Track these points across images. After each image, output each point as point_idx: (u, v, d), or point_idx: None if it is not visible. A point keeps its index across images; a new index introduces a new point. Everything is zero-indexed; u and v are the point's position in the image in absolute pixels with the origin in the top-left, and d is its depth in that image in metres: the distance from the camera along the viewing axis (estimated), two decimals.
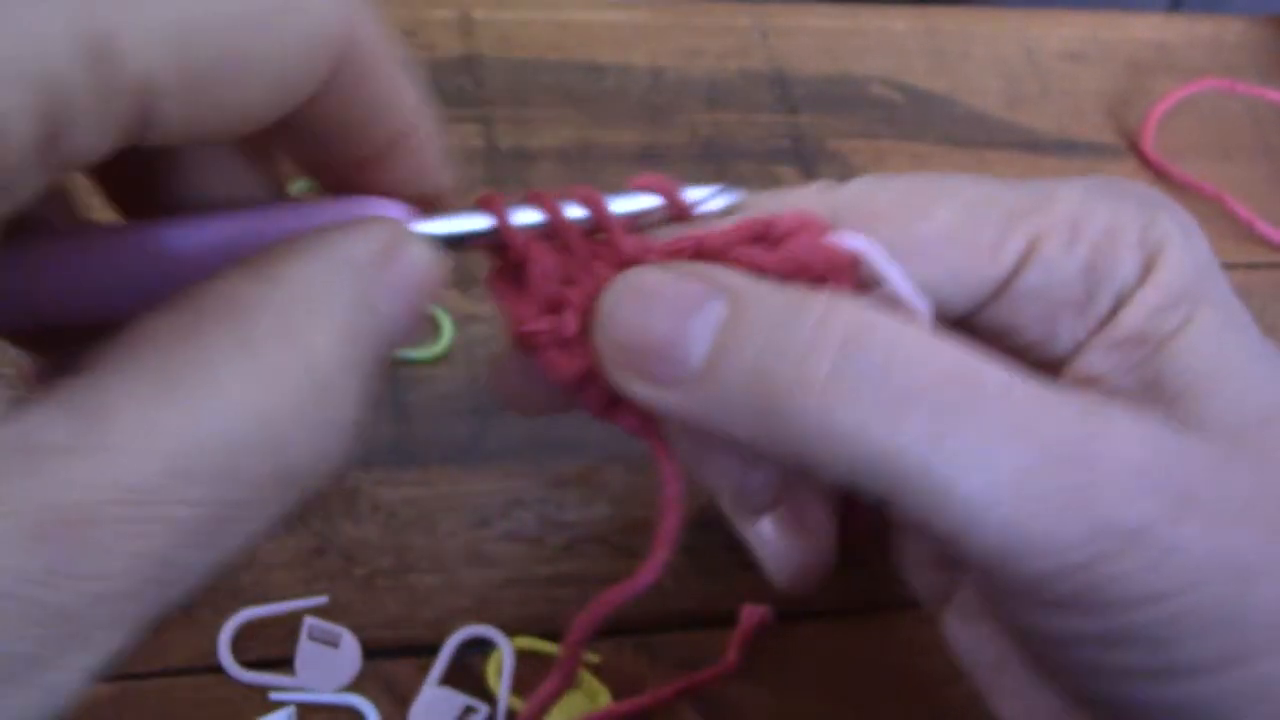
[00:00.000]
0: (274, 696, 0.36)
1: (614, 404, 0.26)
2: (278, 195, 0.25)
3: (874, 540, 0.34)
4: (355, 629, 0.38)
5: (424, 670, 0.38)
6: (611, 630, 0.38)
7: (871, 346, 0.23)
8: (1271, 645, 0.23)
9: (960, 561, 0.27)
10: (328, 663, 0.37)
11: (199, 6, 0.18)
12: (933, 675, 0.40)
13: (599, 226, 0.26)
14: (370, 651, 0.38)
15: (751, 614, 0.40)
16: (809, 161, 0.54)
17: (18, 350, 0.24)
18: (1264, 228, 0.56)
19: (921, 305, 0.25)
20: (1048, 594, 0.23)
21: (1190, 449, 0.24)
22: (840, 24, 0.59)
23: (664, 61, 0.56)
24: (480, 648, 0.38)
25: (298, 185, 0.34)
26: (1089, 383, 0.26)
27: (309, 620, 0.37)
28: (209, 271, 0.21)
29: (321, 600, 0.38)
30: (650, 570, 0.26)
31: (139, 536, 0.18)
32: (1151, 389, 0.25)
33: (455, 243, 0.25)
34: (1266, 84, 0.61)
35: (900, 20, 0.60)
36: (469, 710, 0.37)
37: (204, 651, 0.37)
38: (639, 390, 0.25)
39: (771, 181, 0.53)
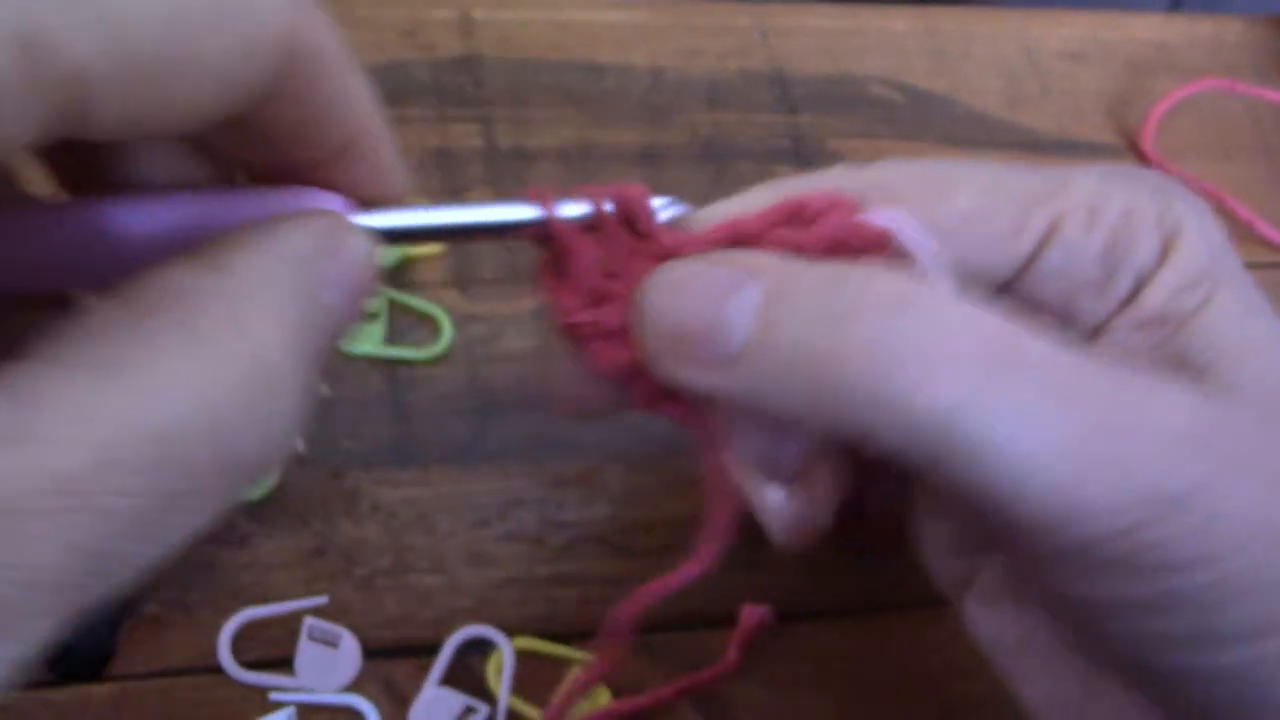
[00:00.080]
0: (274, 697, 0.36)
1: (661, 395, 0.27)
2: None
3: (891, 534, 0.34)
4: (355, 629, 0.38)
5: (424, 670, 0.38)
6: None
7: (914, 313, 0.24)
8: None
9: (1000, 532, 0.27)
10: (328, 663, 0.37)
11: (136, 4, 0.18)
12: (933, 675, 0.40)
13: (638, 221, 0.27)
14: (370, 652, 0.38)
15: (751, 614, 0.40)
16: (809, 161, 0.54)
17: None
18: (1264, 228, 0.56)
19: (953, 279, 0.26)
20: (1093, 560, 0.24)
21: (1229, 415, 0.25)
22: (840, 24, 0.59)
23: (664, 61, 0.56)
24: (480, 648, 0.38)
25: None
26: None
27: (309, 620, 0.37)
28: (150, 252, 0.20)
29: (321, 600, 0.38)
30: (698, 563, 0.26)
31: (71, 526, 0.17)
32: (1177, 366, 0.26)
33: (394, 237, 0.25)
34: (1266, 84, 0.61)
35: (900, 20, 0.60)
36: (469, 710, 0.37)
37: (204, 652, 0.37)
38: (685, 375, 0.25)
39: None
